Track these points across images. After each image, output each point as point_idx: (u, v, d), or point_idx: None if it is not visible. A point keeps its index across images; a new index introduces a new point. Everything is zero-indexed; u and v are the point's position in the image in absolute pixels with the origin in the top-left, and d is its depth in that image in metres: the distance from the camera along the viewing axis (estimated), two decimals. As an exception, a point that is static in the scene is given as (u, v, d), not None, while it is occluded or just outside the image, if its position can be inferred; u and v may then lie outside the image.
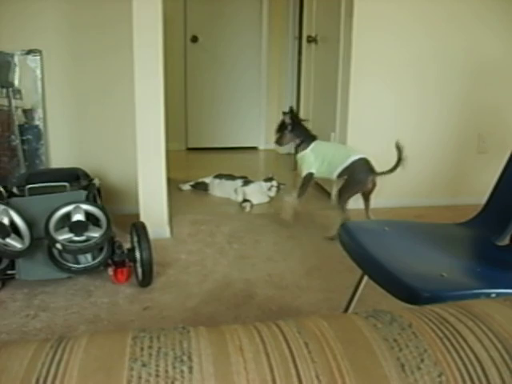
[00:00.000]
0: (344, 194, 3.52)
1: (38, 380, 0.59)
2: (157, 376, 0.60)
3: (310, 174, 3.67)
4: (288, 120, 3.74)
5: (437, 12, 4.10)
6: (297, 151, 3.83)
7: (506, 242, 2.04)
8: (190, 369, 0.61)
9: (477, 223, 2.14)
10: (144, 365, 0.62)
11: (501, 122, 4.20)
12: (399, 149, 3.39)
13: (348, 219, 3.36)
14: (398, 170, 3.45)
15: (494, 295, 1.54)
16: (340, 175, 3.54)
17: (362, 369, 0.63)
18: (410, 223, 2.26)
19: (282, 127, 3.80)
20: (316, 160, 3.66)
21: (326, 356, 0.65)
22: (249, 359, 0.63)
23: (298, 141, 3.76)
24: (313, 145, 3.70)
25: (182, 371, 0.61)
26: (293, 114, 3.80)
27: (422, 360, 0.65)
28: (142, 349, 0.64)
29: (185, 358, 0.63)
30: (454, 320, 0.73)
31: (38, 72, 3.70)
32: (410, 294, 1.52)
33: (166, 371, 0.61)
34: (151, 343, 0.65)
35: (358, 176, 3.53)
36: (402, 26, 4.10)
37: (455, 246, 1.99)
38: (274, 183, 4.40)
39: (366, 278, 2.04)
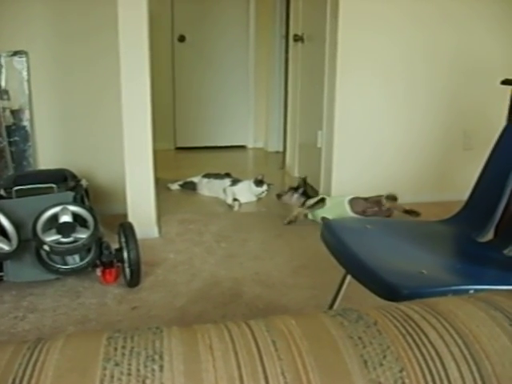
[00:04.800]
0: None
1: (14, 380, 0.62)
2: (128, 375, 0.63)
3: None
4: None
5: (425, 9, 4.13)
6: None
7: (489, 237, 2.07)
8: (161, 367, 0.64)
9: (458, 220, 2.17)
10: (117, 364, 0.64)
11: (486, 119, 4.23)
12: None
13: None
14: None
15: (472, 291, 1.57)
16: None
17: (326, 365, 0.66)
18: (392, 221, 2.29)
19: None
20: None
21: (292, 353, 0.68)
22: (218, 357, 0.66)
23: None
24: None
25: (153, 370, 0.64)
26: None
27: (385, 356, 0.68)
28: (115, 349, 0.67)
29: (156, 357, 0.66)
30: (418, 317, 0.76)
31: (25, 73, 3.70)
32: (390, 291, 1.55)
33: (138, 370, 0.63)
34: (125, 343, 0.68)
35: None
36: (389, 24, 4.12)
37: (437, 243, 2.02)
38: (265, 188, 4.42)
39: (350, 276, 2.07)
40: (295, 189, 4.08)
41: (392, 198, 3.91)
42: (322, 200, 3.90)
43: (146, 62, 3.30)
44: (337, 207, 3.81)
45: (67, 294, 2.81)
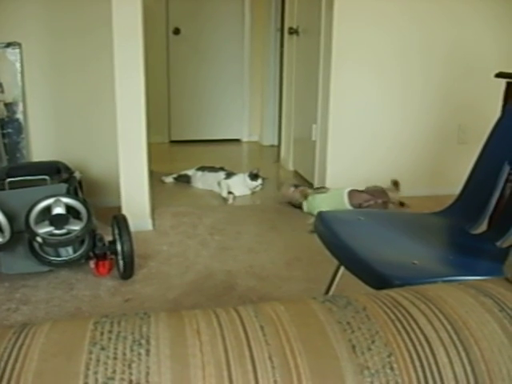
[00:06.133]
0: None
1: (-1, 364, 0.61)
2: (114, 359, 0.62)
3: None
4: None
5: (421, 3, 4.12)
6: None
7: (483, 229, 2.07)
8: (147, 351, 0.64)
9: (452, 212, 2.17)
10: (103, 348, 0.64)
11: (480, 113, 4.23)
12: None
13: None
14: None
15: (464, 282, 1.56)
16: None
17: (314, 350, 0.66)
18: (385, 213, 2.29)
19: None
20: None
21: (280, 338, 0.67)
22: (205, 342, 0.66)
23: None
24: None
25: (139, 354, 0.63)
26: None
27: (373, 341, 0.68)
28: (102, 333, 0.66)
29: (143, 342, 0.65)
30: (408, 303, 0.76)
31: (18, 65, 3.68)
32: (382, 281, 1.54)
33: (124, 354, 0.63)
34: (111, 328, 0.68)
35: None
36: (384, 17, 4.12)
37: (429, 235, 2.02)
38: (260, 182, 4.42)
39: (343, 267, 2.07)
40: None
41: (395, 184, 3.95)
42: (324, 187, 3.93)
43: (140, 55, 3.29)
44: (335, 198, 3.80)
45: (60, 286, 2.80)
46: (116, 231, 2.89)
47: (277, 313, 0.73)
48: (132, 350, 0.64)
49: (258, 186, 4.42)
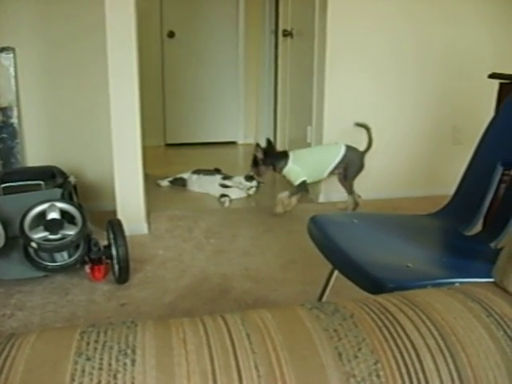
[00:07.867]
0: (350, 180, 3.85)
1: (-17, 376, 0.61)
2: (100, 369, 0.62)
3: (303, 182, 3.85)
4: (260, 155, 3.99)
5: (416, 4, 4.13)
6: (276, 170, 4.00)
7: (477, 230, 2.07)
8: (133, 361, 0.63)
9: (446, 214, 2.17)
10: (88, 359, 0.64)
11: (475, 114, 4.24)
12: (366, 128, 3.88)
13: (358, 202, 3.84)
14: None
15: (457, 284, 1.56)
16: (334, 170, 3.84)
17: (300, 358, 0.66)
18: (379, 215, 2.28)
19: (255, 162, 4.03)
20: (303, 168, 3.86)
21: (266, 347, 0.67)
22: (191, 351, 0.66)
23: (271, 167, 3.97)
24: (291, 157, 3.88)
25: (124, 364, 0.63)
26: (266, 147, 4.05)
27: (360, 349, 0.68)
28: (88, 343, 0.66)
29: (129, 351, 0.65)
30: (395, 309, 0.76)
31: (12, 70, 3.68)
32: (376, 284, 1.54)
33: (110, 364, 0.63)
34: (98, 337, 0.68)
35: (358, 161, 3.88)
36: (378, 19, 4.12)
37: (423, 237, 2.02)
38: (254, 183, 4.43)
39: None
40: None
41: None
42: (304, 183, 3.86)
43: (134, 59, 3.29)
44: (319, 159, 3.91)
45: (56, 291, 2.80)
46: (111, 236, 2.88)
47: (263, 320, 0.73)
48: (117, 360, 0.63)
49: (252, 188, 4.42)
